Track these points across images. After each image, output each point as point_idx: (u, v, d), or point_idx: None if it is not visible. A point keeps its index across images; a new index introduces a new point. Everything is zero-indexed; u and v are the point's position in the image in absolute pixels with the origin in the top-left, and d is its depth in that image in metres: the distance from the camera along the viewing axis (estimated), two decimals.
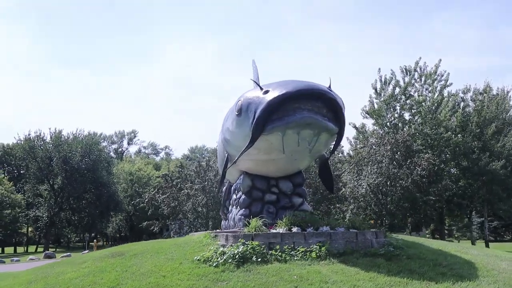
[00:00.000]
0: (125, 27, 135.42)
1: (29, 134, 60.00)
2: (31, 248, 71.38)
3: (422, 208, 34.40)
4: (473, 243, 41.04)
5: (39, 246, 69.96)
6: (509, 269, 10.02)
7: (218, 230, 15.01)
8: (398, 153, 34.12)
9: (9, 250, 70.80)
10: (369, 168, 33.41)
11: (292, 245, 10.29)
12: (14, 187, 58.30)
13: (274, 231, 11.05)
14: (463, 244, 14.60)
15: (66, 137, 60.96)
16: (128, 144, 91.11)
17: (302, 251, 10.01)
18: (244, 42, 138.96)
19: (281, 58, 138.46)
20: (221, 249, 10.31)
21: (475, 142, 36.57)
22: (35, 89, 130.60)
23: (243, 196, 13.69)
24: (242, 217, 13.06)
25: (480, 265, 10.01)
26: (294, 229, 10.98)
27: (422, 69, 38.88)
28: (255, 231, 11.05)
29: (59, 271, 11.23)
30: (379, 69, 39.83)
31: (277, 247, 10.15)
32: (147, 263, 10.48)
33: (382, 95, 39.41)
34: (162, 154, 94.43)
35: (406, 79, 38.97)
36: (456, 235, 57.21)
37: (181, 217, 33.74)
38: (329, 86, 11.44)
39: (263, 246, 10.11)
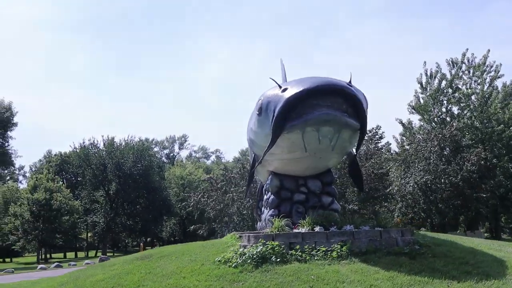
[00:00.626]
0: (173, 32, 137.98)
1: (83, 142, 62.35)
2: (91, 253, 74.03)
3: (474, 206, 33.04)
4: None
5: (98, 251, 72.47)
6: None
7: (244, 232, 15.07)
8: (447, 148, 33.01)
9: (70, 255, 73.85)
10: (417, 165, 32.49)
11: (314, 245, 10.17)
12: (71, 194, 60.64)
13: (296, 231, 10.99)
14: (501, 242, 13.93)
15: (118, 144, 62.88)
16: (179, 148, 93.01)
17: (323, 251, 9.87)
18: (293, 42, 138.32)
19: (329, 57, 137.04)
20: (241, 250, 10.35)
21: None
22: (89, 98, 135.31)
23: (271, 197, 13.69)
24: (272, 217, 13.02)
25: (511, 263, 9.54)
26: (317, 229, 10.86)
27: (470, 61, 37.36)
28: (278, 231, 11.03)
29: (90, 273, 11.62)
30: (425, 62, 38.71)
31: (297, 247, 10.07)
32: (171, 265, 10.66)
33: (428, 90, 38.23)
34: (212, 158, 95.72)
35: (453, 72, 37.59)
36: None
37: (227, 220, 34.03)
38: (350, 82, 11.28)
39: (283, 246, 10.06)
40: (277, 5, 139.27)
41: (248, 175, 15.28)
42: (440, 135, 32.34)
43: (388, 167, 34.47)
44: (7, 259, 67.53)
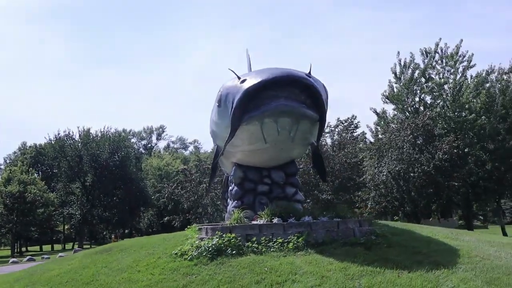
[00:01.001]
0: (148, 23, 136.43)
1: (58, 134, 61.34)
2: (69, 246, 73.34)
3: (446, 194, 33.48)
4: (503, 229, 39.76)
5: (75, 243, 71.84)
6: (494, 255, 9.62)
7: (204, 224, 15.00)
8: (420, 137, 33.33)
9: (47, 248, 73.09)
10: (390, 154, 32.75)
11: (271, 237, 10.14)
12: (47, 187, 59.79)
13: (254, 222, 10.95)
14: (459, 231, 14.10)
15: (94, 135, 62.06)
16: (157, 139, 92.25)
17: (280, 242, 9.86)
18: (271, 34, 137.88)
19: (309, 47, 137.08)
20: (198, 242, 10.27)
21: (501, 124, 35.32)
22: (65, 90, 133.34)
23: (235, 188, 13.62)
24: (234, 209, 12.96)
25: (463, 252, 9.63)
26: (275, 220, 10.83)
27: (443, 51, 37.66)
28: (236, 223, 10.98)
29: (47, 268, 11.44)
30: (398, 52, 38.91)
31: (254, 239, 10.04)
32: (128, 259, 10.55)
33: (402, 79, 38.46)
34: (191, 148, 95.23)
35: (426, 61, 37.85)
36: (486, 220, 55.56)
37: (201, 211, 33.93)
38: (309, 72, 11.22)
39: (239, 238, 10.00)
40: None
41: (211, 167, 15.17)
42: (413, 125, 32.64)
43: (361, 156, 34.72)
44: None
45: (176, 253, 10.07)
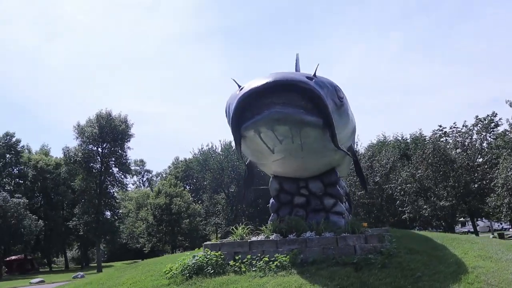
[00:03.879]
0: (294, 36, 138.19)
1: (202, 148, 65.22)
2: None
3: None
4: None
5: None
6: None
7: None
8: None
9: None
10: None
11: (259, 255, 9.44)
12: (192, 198, 63.83)
13: (254, 239, 10.29)
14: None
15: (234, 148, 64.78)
16: None
17: (266, 261, 9.12)
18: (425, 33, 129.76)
19: (464, 44, 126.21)
20: (188, 260, 9.96)
21: None
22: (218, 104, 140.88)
23: (271, 201, 13.05)
24: (271, 222, 12.41)
25: (470, 278, 7.85)
26: (272, 236, 10.07)
27: None
28: (240, 239, 10.45)
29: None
30: None
31: (238, 257, 9.42)
32: (129, 275, 10.66)
33: None
34: None
35: None
36: None
37: None
38: (314, 74, 10.26)
39: (222, 257, 9.48)
40: None
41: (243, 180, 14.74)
42: None
43: (491, 157, 30.69)
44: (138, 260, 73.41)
45: (165, 271, 9.88)
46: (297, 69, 15.52)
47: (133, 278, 10.16)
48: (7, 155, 56.53)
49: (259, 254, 9.45)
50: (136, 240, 63.49)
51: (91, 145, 48.96)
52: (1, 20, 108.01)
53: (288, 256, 9.06)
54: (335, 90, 10.60)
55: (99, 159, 49.52)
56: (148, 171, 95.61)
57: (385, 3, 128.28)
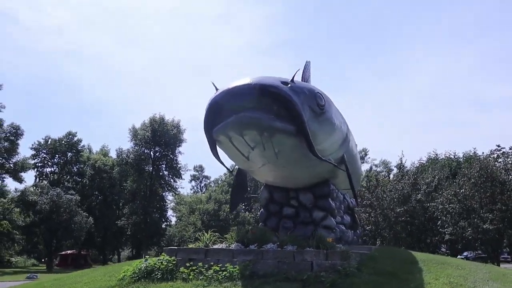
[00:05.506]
0: (367, 45, 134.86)
1: None
2: None
3: None
4: None
5: None
6: None
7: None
8: None
9: None
10: None
11: (212, 263, 9.00)
12: (243, 206, 63.99)
13: (216, 247, 9.85)
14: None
15: None
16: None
17: (216, 270, 8.68)
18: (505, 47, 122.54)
19: None
20: (144, 263, 9.67)
21: None
22: None
23: (261, 210, 12.59)
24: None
25: None
26: (233, 246, 9.58)
27: None
28: (205, 246, 10.05)
29: None
30: None
31: (189, 264, 9.04)
32: (93, 274, 10.54)
33: None
34: (394, 171, 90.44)
35: None
36: None
37: None
38: (292, 79, 9.70)
39: (173, 263, 9.13)
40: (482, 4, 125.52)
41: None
42: None
43: None
44: None
45: (122, 273, 9.64)
46: (304, 77, 14.90)
47: (93, 278, 10.04)
48: (68, 153, 59.27)
49: (212, 263, 9.00)
50: (185, 244, 64.35)
51: (144, 148, 50.30)
52: (81, 27, 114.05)
53: (236, 268, 8.56)
54: (314, 97, 9.95)
55: (150, 162, 50.77)
56: (206, 177, 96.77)
57: (461, 15, 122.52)
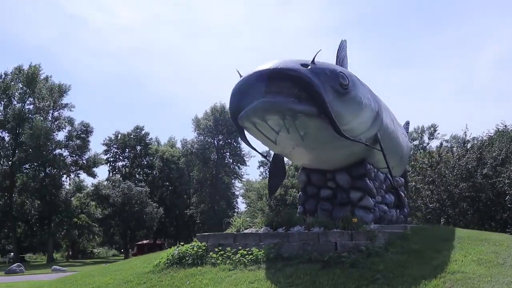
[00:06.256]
0: (436, 21, 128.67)
1: None
2: None
3: None
4: None
5: None
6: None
7: None
8: None
9: None
10: None
11: (241, 247, 9.18)
12: None
13: (247, 231, 10.02)
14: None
15: None
16: (429, 139, 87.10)
17: (242, 254, 8.87)
18: None
19: None
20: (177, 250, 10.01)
21: None
22: None
23: (300, 193, 12.66)
24: (299, 215, 12.02)
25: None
26: (261, 230, 9.71)
27: None
28: (237, 231, 10.27)
29: None
30: None
31: (217, 249, 9.27)
32: (136, 262, 11.05)
33: None
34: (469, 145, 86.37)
35: None
36: None
37: None
38: (312, 61, 9.61)
39: (203, 248, 9.40)
40: None
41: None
42: None
43: None
44: None
45: (159, 260, 10.02)
46: (339, 57, 14.57)
47: (133, 265, 10.52)
48: (138, 147, 61.70)
49: (240, 247, 9.17)
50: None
51: (207, 137, 51.46)
52: (150, 23, 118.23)
53: (261, 251, 8.69)
54: (337, 77, 9.76)
55: (214, 151, 51.87)
56: None
57: None
